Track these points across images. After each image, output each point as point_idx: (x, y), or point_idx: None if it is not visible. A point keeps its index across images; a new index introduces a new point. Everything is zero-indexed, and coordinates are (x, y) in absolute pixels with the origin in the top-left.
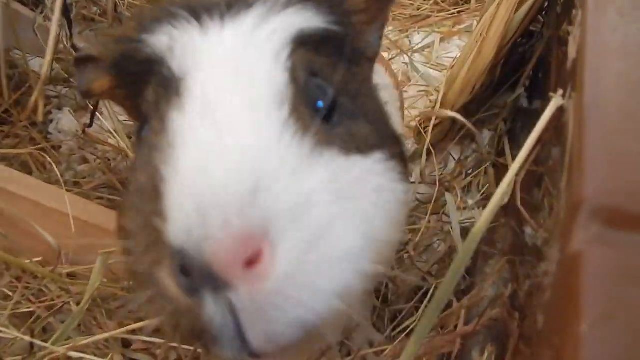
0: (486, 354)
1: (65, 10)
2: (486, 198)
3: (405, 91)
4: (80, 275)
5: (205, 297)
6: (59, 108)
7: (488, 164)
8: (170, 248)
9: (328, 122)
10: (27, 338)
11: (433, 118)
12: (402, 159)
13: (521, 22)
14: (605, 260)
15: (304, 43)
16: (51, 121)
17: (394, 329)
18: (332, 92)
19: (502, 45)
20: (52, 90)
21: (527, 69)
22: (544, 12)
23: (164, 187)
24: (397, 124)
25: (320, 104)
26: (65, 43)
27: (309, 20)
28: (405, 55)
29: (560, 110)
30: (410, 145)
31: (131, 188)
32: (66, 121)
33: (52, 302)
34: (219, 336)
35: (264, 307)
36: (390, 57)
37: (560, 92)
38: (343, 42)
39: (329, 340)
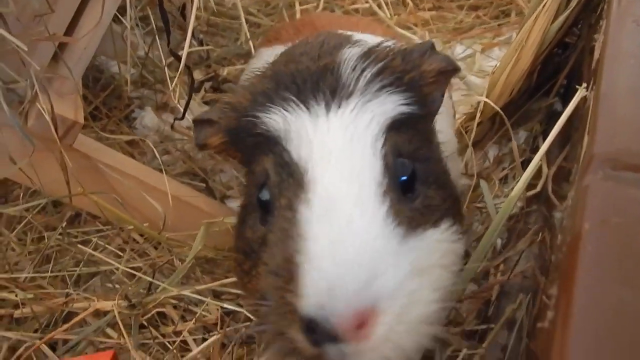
0: (517, 302)
1: (165, 21)
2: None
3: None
4: (178, 241)
5: (327, 347)
6: (141, 107)
7: (523, 158)
8: (302, 315)
9: (409, 193)
10: (147, 278)
11: (477, 118)
12: (460, 218)
13: (556, 33)
14: (604, 186)
15: (392, 127)
16: (135, 118)
17: None
18: (411, 166)
19: (538, 53)
20: (135, 92)
21: (560, 77)
22: (578, 25)
23: (298, 271)
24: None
25: (403, 178)
26: (146, 50)
27: (396, 106)
28: None
29: (584, 101)
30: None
31: (266, 262)
32: (148, 118)
33: (156, 260)
34: None
35: (369, 357)
36: None
37: (585, 85)
38: (419, 117)
39: None
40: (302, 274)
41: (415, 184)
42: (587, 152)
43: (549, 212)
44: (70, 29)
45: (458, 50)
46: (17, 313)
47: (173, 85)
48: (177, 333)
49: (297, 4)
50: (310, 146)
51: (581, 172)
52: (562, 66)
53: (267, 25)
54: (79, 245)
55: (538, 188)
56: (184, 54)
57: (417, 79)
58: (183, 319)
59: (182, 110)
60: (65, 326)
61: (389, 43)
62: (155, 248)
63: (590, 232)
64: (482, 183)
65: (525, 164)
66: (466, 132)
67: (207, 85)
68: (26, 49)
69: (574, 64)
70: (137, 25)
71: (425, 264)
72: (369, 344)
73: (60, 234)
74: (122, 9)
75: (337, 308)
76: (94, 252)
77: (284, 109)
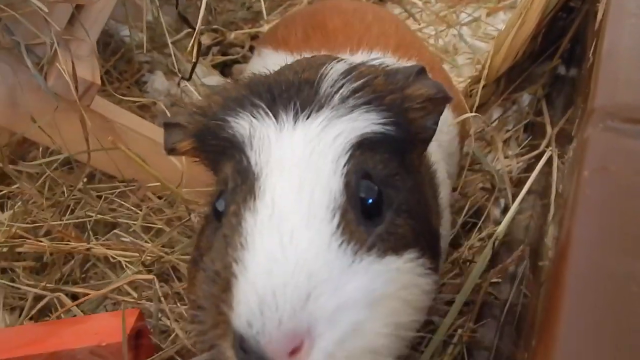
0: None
1: None
2: (526, 152)
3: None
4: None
5: None
6: (151, 71)
7: (527, 121)
8: (233, 332)
9: (376, 218)
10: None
11: (482, 81)
12: (433, 254)
13: None
14: (604, 137)
15: (361, 145)
16: (145, 82)
17: None
18: (378, 190)
19: (542, 17)
20: (145, 56)
21: (564, 40)
22: None
23: (233, 282)
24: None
25: (369, 201)
26: (156, 15)
27: (369, 124)
28: (454, 29)
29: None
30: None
31: (204, 269)
32: (159, 82)
33: (172, 216)
34: None
35: None
36: (440, 30)
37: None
38: (397, 141)
39: None
40: (237, 285)
41: (383, 209)
42: (589, 106)
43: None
44: None
45: (463, 15)
46: (38, 265)
47: (190, 47)
48: None
49: None
50: (269, 154)
51: (582, 125)
52: (566, 30)
53: None
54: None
55: (541, 148)
56: (199, 20)
57: (399, 102)
58: None
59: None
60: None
61: (377, 62)
62: (171, 206)
63: (589, 178)
64: (474, 147)
65: (528, 127)
66: (470, 96)
67: (215, 49)
68: (47, 10)
69: (577, 27)
70: None
71: (379, 292)
72: None
73: (79, 189)
74: None
75: (267, 328)
76: (115, 201)
77: (252, 115)
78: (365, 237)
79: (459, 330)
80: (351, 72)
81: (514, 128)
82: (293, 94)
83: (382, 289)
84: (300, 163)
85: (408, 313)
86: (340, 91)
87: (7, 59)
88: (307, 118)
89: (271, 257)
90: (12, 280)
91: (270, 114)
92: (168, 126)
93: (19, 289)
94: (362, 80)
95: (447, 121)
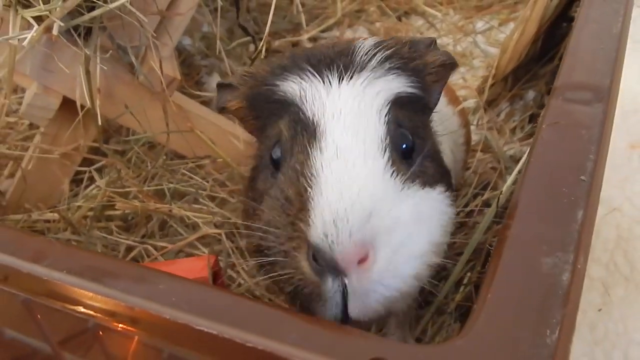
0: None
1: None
2: (528, 136)
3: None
4: None
5: (327, 278)
6: (208, 74)
7: (531, 112)
8: (309, 243)
9: (409, 160)
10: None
11: (490, 79)
12: (451, 190)
13: (555, 9)
14: (559, 103)
15: (395, 102)
16: (204, 83)
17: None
18: (411, 138)
19: (541, 25)
20: (203, 60)
21: (562, 45)
22: (578, 1)
23: (309, 203)
24: (449, 157)
25: (404, 146)
26: (213, 26)
27: (401, 85)
28: (470, 37)
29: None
30: (473, 102)
31: (276, 196)
32: (215, 82)
33: (233, 188)
34: (329, 302)
35: (366, 289)
36: (458, 37)
37: None
38: (419, 100)
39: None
40: (313, 205)
41: (414, 154)
42: (554, 85)
43: None
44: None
45: (479, 25)
46: (124, 224)
47: (256, 54)
48: None
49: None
50: (323, 106)
51: (549, 99)
52: (565, 36)
53: (311, 5)
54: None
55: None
56: (266, 28)
57: (422, 67)
58: None
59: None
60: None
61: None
62: (232, 179)
63: (546, 128)
64: (487, 134)
65: (531, 118)
66: (483, 92)
67: (262, 55)
68: (146, 20)
69: None
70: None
71: (424, 213)
72: (369, 276)
73: (159, 165)
74: None
75: (340, 238)
76: (186, 174)
77: (300, 78)
78: (408, 172)
79: (469, 274)
80: (380, 44)
81: (520, 118)
82: (334, 60)
83: (426, 210)
84: (352, 111)
85: (441, 234)
86: (375, 58)
87: (107, 60)
88: (351, 78)
89: (340, 183)
90: (109, 234)
91: (317, 75)
92: (221, 87)
93: (116, 241)
94: (391, 50)
95: (450, 115)
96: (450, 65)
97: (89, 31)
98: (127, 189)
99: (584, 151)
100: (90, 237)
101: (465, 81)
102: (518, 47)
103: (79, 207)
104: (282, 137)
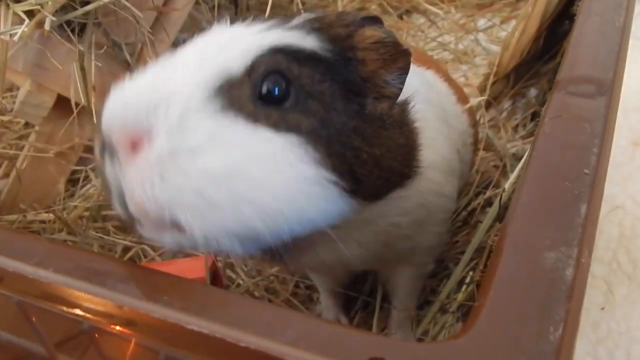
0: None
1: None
2: (530, 134)
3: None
4: None
5: (107, 161)
6: None
7: (533, 110)
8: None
9: (272, 106)
10: None
11: (491, 76)
12: (344, 178)
13: (556, 6)
14: (561, 96)
15: (283, 52)
16: None
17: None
18: (286, 88)
19: (542, 22)
20: None
21: (564, 43)
22: None
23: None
24: (455, 157)
25: (274, 91)
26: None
27: (300, 40)
28: (471, 35)
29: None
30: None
31: None
32: None
33: None
34: (112, 190)
35: (134, 180)
36: (459, 35)
37: None
38: (337, 71)
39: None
40: (114, 90)
41: (286, 105)
42: (556, 78)
43: None
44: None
45: (480, 23)
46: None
47: None
48: None
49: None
50: (204, 35)
51: (551, 93)
52: (567, 34)
53: (312, 3)
54: None
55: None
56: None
57: (344, 36)
58: None
59: None
60: None
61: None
62: None
63: (548, 122)
64: (488, 132)
65: (534, 115)
66: (485, 90)
67: None
68: (142, 16)
69: None
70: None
71: (249, 149)
72: (137, 165)
73: None
74: None
75: (117, 116)
76: None
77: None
78: (251, 111)
79: (471, 273)
80: (319, 14)
81: (522, 116)
82: (264, 19)
83: (256, 148)
84: (215, 40)
85: (262, 192)
86: (296, 19)
87: (102, 57)
88: (249, 25)
89: (145, 79)
90: (105, 234)
91: (224, 22)
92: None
93: (112, 241)
94: (317, 15)
95: (459, 113)
96: (392, 45)
97: (83, 27)
98: None
99: (587, 145)
100: (86, 237)
101: (467, 79)
102: (520, 44)
103: (75, 207)
104: None
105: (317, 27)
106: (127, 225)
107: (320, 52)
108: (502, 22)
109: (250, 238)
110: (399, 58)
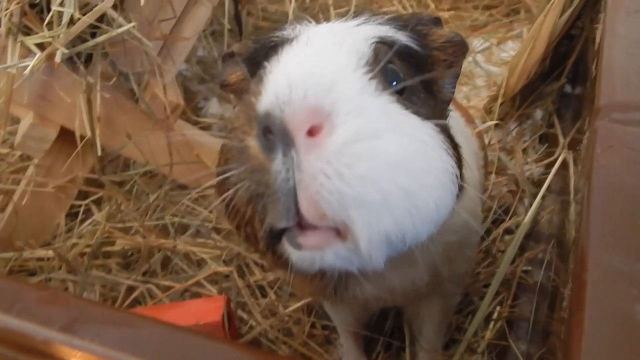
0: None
1: (237, 19)
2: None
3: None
4: None
5: (277, 153)
6: (205, 99)
7: (541, 132)
8: (258, 116)
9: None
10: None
11: (499, 98)
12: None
13: (564, 25)
14: (610, 125)
15: (389, 45)
16: (200, 108)
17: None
18: (403, 79)
19: (550, 43)
20: (199, 85)
21: (569, 63)
22: (581, 19)
23: (265, 80)
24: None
25: (394, 83)
26: (210, 50)
27: (397, 35)
28: (469, 57)
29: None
30: (480, 123)
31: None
32: (214, 107)
33: None
34: (278, 192)
35: (314, 169)
36: None
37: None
38: (422, 63)
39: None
40: (266, 79)
41: (404, 95)
42: (596, 105)
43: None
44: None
45: (475, 44)
46: (123, 262)
47: None
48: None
49: (331, 9)
50: (308, 31)
51: (592, 120)
52: (569, 54)
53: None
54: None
55: (557, 154)
56: None
57: (424, 35)
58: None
59: None
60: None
61: None
62: None
63: (601, 153)
64: (501, 155)
65: (542, 138)
66: (490, 112)
67: None
68: (151, 46)
69: (579, 51)
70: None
71: (408, 131)
72: (319, 152)
73: (159, 196)
74: None
75: (292, 97)
76: (189, 206)
77: (298, 24)
78: (390, 90)
79: (498, 308)
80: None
81: (531, 138)
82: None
83: (405, 126)
84: (334, 31)
85: (422, 166)
86: (376, 18)
87: (107, 87)
88: (344, 21)
89: (304, 57)
90: (107, 272)
91: (314, 22)
92: (224, 57)
93: (116, 281)
94: (395, 15)
95: (470, 136)
96: (459, 44)
97: (88, 57)
98: (128, 224)
99: None
100: (87, 276)
101: (469, 101)
102: (527, 65)
103: (75, 244)
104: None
105: (401, 24)
106: (269, 244)
107: (413, 47)
108: (498, 43)
109: (397, 241)
110: (459, 61)
